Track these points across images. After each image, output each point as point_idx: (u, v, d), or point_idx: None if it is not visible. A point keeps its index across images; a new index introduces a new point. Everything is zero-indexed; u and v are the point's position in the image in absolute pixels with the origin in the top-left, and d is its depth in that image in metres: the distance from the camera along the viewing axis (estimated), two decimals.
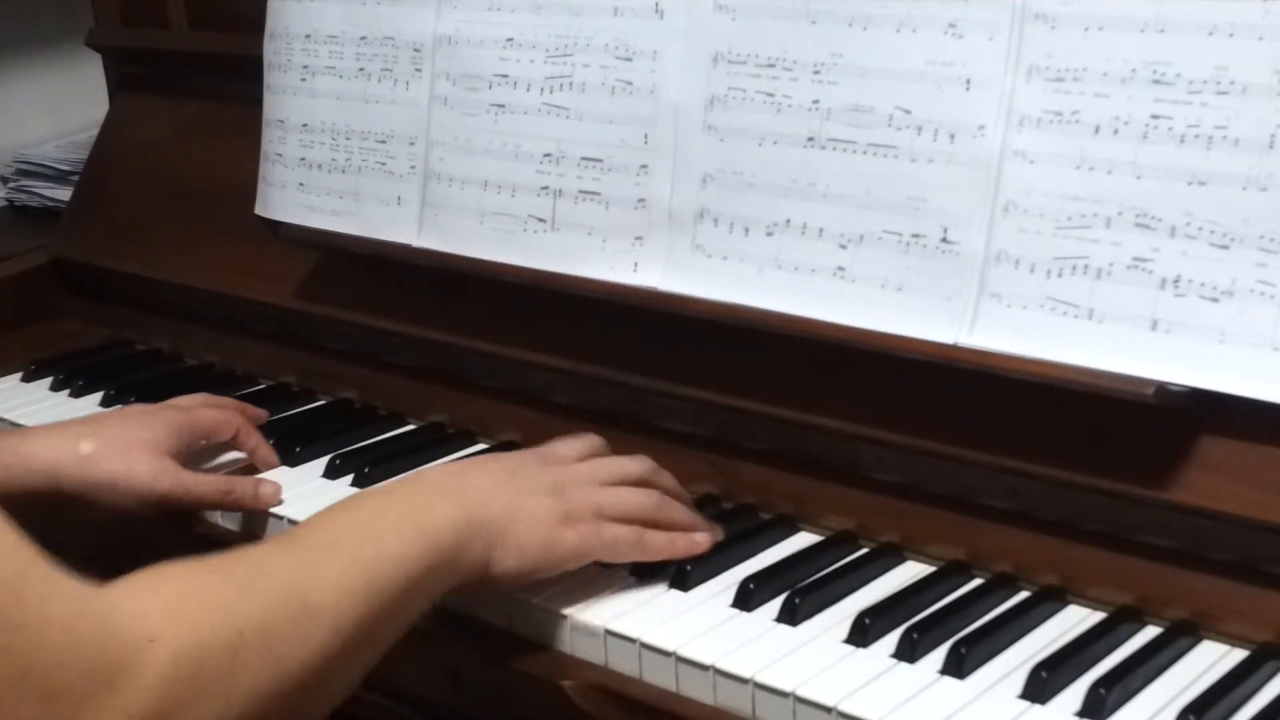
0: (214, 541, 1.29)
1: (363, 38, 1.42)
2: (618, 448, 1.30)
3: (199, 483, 1.26)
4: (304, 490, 1.30)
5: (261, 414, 1.42)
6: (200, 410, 1.34)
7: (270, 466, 1.35)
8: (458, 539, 1.00)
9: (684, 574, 1.10)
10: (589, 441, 1.18)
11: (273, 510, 1.27)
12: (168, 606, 0.82)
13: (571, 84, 1.27)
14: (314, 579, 0.91)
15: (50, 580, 0.78)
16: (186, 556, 0.88)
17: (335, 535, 0.97)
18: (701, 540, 1.11)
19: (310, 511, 1.24)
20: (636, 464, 1.15)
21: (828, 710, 0.95)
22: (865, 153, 1.10)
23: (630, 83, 1.23)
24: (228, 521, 1.30)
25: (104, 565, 0.85)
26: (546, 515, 1.05)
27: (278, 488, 1.28)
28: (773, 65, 1.14)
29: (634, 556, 1.09)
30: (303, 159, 1.48)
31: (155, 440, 1.25)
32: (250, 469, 1.36)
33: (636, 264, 1.23)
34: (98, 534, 1.26)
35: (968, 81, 1.05)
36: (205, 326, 1.68)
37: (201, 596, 0.84)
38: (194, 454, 1.33)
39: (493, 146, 1.32)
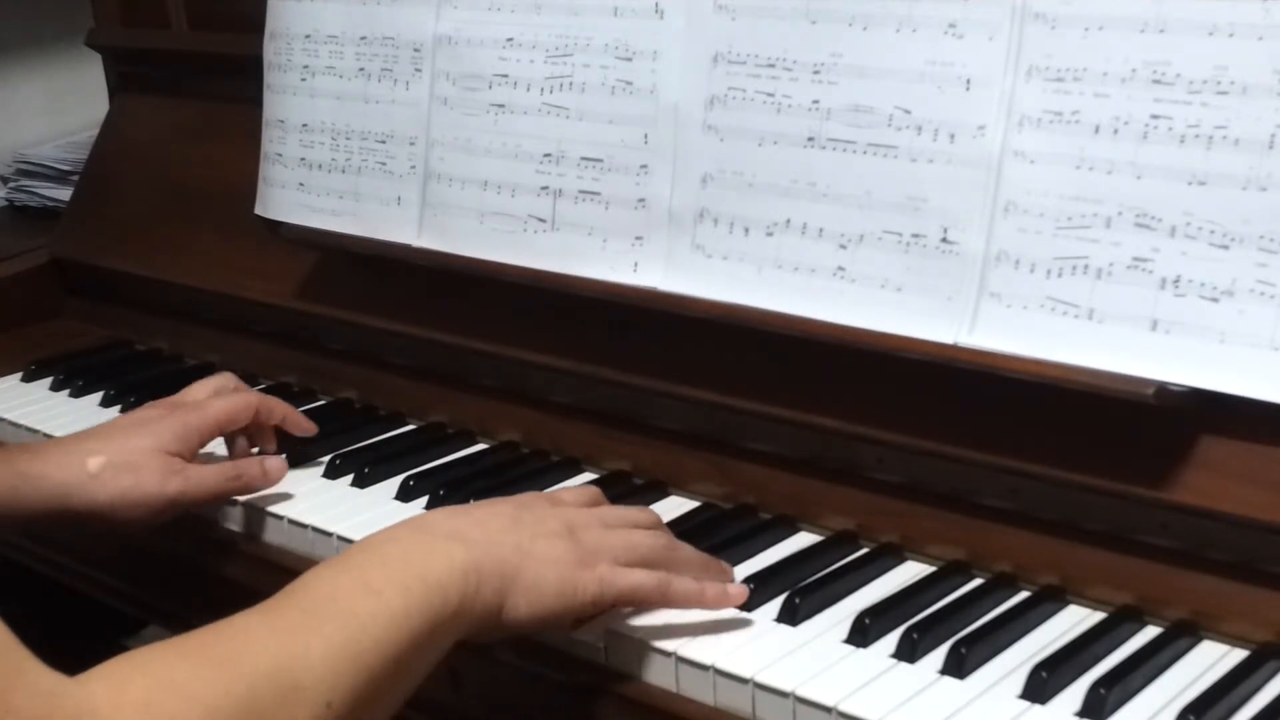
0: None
1: (363, 38, 1.42)
2: (618, 448, 1.30)
3: (205, 474, 1.24)
4: (305, 490, 1.31)
5: (306, 425, 1.36)
6: (211, 404, 1.29)
7: (309, 430, 1.35)
8: (465, 585, 0.94)
9: None
10: (590, 490, 1.13)
11: (270, 510, 1.27)
12: (143, 703, 0.79)
13: (571, 84, 1.27)
14: (301, 653, 0.85)
15: (25, 674, 0.75)
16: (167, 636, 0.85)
17: (329, 593, 0.90)
18: (736, 594, 1.04)
19: (311, 512, 1.26)
20: (643, 513, 1.10)
21: (828, 710, 0.95)
22: (865, 153, 1.10)
23: (630, 83, 1.23)
24: (230, 523, 1.30)
25: None
26: (560, 557, 0.99)
27: (282, 462, 1.27)
28: (773, 65, 1.14)
29: (658, 603, 1.03)
30: (303, 159, 1.48)
31: (162, 445, 1.22)
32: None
33: (636, 264, 1.23)
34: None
35: (968, 81, 1.05)
36: (205, 326, 1.68)
37: (179, 690, 0.80)
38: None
39: (493, 146, 1.32)
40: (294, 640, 0.86)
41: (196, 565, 1.31)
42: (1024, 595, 1.07)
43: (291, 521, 1.25)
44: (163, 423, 1.25)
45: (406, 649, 0.90)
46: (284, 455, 1.30)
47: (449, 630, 0.94)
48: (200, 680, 0.81)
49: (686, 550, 1.08)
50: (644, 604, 1.03)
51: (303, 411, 1.48)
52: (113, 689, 0.79)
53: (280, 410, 1.33)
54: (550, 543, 1.00)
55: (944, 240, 1.06)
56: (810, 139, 1.12)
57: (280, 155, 1.50)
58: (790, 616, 1.05)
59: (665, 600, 1.02)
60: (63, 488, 1.20)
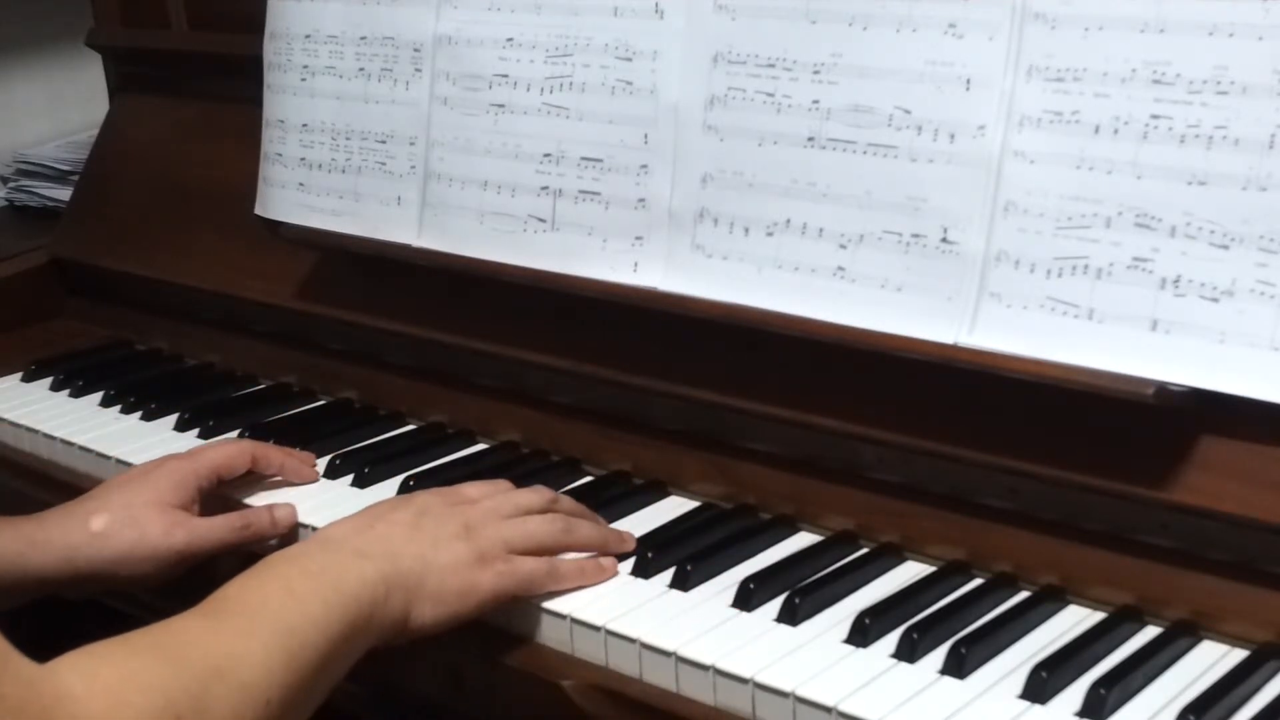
0: None
1: (363, 38, 1.42)
2: (617, 448, 1.30)
3: (213, 527, 1.23)
4: (305, 490, 1.31)
5: (303, 459, 1.35)
6: (204, 451, 1.29)
7: (309, 479, 1.32)
8: (374, 598, 1.00)
9: (684, 574, 1.10)
10: (492, 482, 1.18)
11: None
12: (111, 692, 0.84)
13: (571, 84, 1.27)
14: (244, 653, 0.92)
15: (9, 664, 0.80)
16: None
17: (261, 600, 0.97)
18: (608, 565, 1.12)
19: (312, 512, 1.26)
20: (536, 495, 1.16)
21: (828, 710, 0.95)
22: (865, 153, 1.10)
23: (630, 83, 1.23)
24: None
25: None
26: (459, 560, 1.06)
27: (292, 509, 1.26)
28: (773, 65, 1.14)
29: (549, 587, 1.09)
30: (303, 159, 1.48)
31: (161, 497, 1.22)
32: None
33: (636, 264, 1.23)
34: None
35: (968, 81, 1.05)
36: (205, 326, 1.68)
37: (141, 681, 0.86)
38: (217, 497, 1.28)
39: (493, 146, 1.32)
40: (236, 641, 0.93)
41: (196, 566, 1.30)
42: (1024, 595, 1.07)
43: (310, 528, 1.25)
44: (157, 473, 1.25)
45: (329, 653, 0.97)
46: (293, 505, 1.27)
47: (363, 639, 1.00)
48: (158, 674, 0.87)
49: (584, 529, 1.14)
50: (540, 591, 1.09)
51: (302, 412, 1.48)
52: (82, 678, 0.84)
53: (278, 459, 1.32)
54: (450, 547, 1.06)
55: (944, 240, 1.06)
56: (810, 139, 1.12)
57: (280, 155, 1.50)
58: (790, 616, 1.05)
59: (557, 584, 1.10)
60: (68, 549, 1.20)
